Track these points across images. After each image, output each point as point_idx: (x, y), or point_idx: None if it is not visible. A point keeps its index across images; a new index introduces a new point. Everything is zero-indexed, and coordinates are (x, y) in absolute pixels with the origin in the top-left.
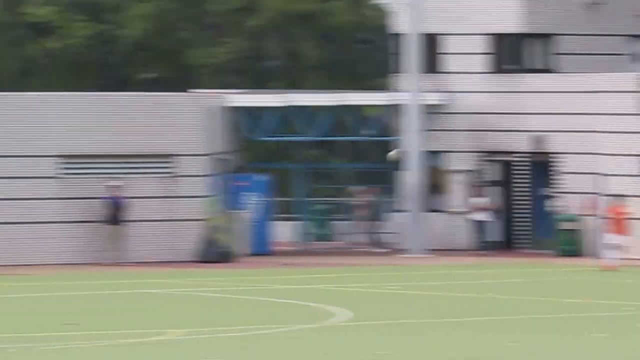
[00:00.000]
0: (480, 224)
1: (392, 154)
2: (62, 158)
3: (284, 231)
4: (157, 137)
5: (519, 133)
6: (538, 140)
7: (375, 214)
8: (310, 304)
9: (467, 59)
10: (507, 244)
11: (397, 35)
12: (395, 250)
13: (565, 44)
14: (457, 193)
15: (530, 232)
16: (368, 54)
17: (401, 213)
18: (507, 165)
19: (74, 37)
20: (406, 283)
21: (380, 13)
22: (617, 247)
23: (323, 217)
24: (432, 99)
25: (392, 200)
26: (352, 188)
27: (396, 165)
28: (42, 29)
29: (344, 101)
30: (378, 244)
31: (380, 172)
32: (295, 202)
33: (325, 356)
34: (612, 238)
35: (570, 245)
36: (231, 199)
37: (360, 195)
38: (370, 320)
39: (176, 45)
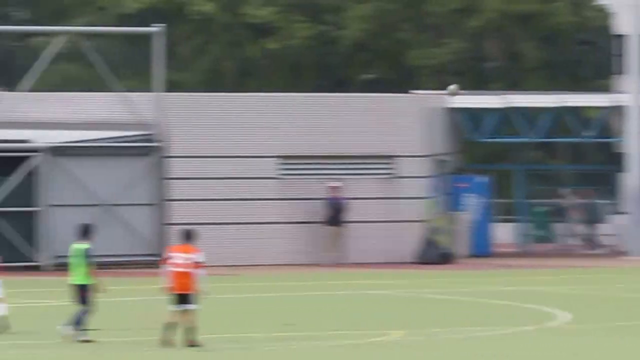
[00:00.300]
0: None
1: (451, 88)
2: (283, 159)
3: (503, 233)
4: (377, 138)
5: None
6: None
7: (591, 216)
8: (529, 305)
9: None
10: None
11: (619, 36)
12: (616, 253)
13: None
14: None
15: None
16: (589, 55)
17: (622, 215)
18: None
19: (294, 38)
20: (626, 286)
21: (602, 14)
22: None
23: (543, 218)
24: None
25: (612, 202)
26: (564, 190)
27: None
28: (262, 30)
29: (565, 102)
30: (595, 245)
31: (601, 174)
32: (515, 204)
33: (576, 357)
34: None
35: None
36: (451, 200)
37: (574, 197)
38: (590, 322)
39: (396, 46)
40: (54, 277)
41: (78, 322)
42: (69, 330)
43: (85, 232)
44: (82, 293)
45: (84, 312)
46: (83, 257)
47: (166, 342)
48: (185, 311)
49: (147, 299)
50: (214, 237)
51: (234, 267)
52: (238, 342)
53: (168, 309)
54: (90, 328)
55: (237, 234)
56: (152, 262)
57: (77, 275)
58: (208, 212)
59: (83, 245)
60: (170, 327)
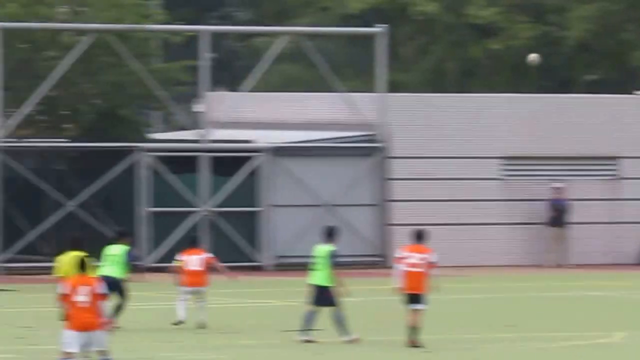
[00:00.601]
0: None
1: (531, 57)
2: (506, 160)
3: None
4: (601, 139)
5: None
6: None
7: None
8: None
9: None
10: None
11: None
12: None
13: None
14: None
15: None
16: None
17: None
18: None
19: (517, 39)
20: None
21: None
22: None
23: None
24: None
25: None
26: None
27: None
28: (484, 30)
29: None
30: None
31: None
32: None
33: None
34: None
35: None
36: None
37: None
38: None
39: (619, 47)
40: (275, 278)
41: (308, 322)
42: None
43: (330, 234)
44: (323, 294)
45: (339, 314)
46: (327, 258)
47: (412, 343)
48: (414, 311)
49: (375, 299)
50: (435, 238)
51: (456, 268)
52: (460, 342)
53: (405, 309)
54: (315, 328)
55: (459, 235)
56: (373, 262)
57: (319, 276)
58: (429, 213)
59: (327, 247)
60: (413, 331)
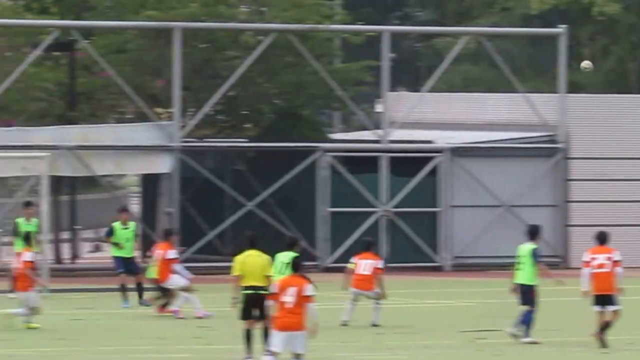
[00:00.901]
0: None
1: (584, 64)
2: None
3: None
4: None
5: None
6: None
7: None
8: None
9: None
10: None
11: None
12: None
13: None
14: None
15: None
16: None
17: None
18: None
19: None
20: None
21: None
22: None
23: None
24: None
25: None
26: None
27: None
28: None
29: None
30: None
31: None
32: None
33: None
34: None
35: None
36: None
37: None
38: None
39: None
40: (453, 278)
41: (524, 323)
42: (517, 332)
43: (533, 232)
44: (527, 293)
45: (530, 313)
46: (530, 257)
47: (599, 338)
48: (605, 313)
49: (556, 299)
50: (614, 239)
51: (635, 269)
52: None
53: (594, 311)
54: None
55: (637, 235)
56: (553, 263)
57: (523, 275)
58: (608, 214)
59: (531, 246)
60: (604, 328)
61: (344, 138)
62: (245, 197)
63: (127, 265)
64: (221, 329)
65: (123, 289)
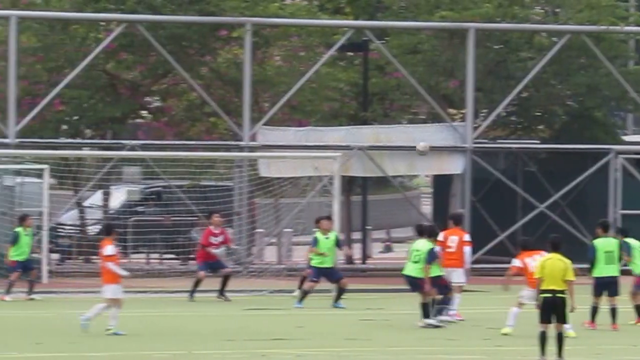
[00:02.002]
0: None
1: (419, 147)
2: None
3: None
4: None
5: None
6: None
7: None
8: None
9: None
10: None
11: None
12: None
13: None
14: None
15: None
16: None
17: None
18: None
19: None
20: None
21: None
22: None
23: None
24: None
25: None
26: None
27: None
28: None
29: None
30: None
31: None
32: None
33: None
34: None
35: None
36: None
37: None
38: None
39: None
40: None
41: None
42: None
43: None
44: None
45: None
46: None
47: None
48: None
49: None
50: None
51: None
52: None
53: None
54: None
55: None
56: None
57: None
58: None
59: None
60: None
61: (637, 140)
62: (536, 198)
63: (327, 274)
64: (519, 330)
65: (304, 293)
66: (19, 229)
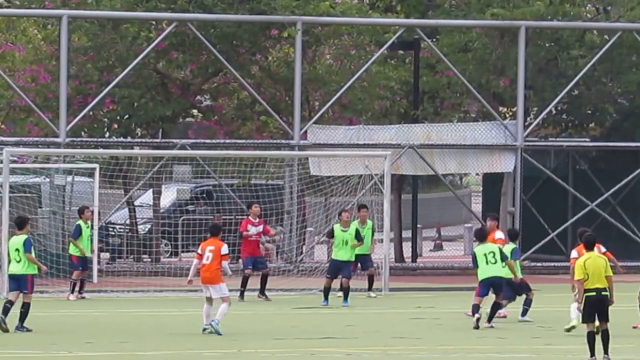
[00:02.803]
0: None
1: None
2: None
3: None
4: None
5: None
6: None
7: None
8: None
9: None
10: None
11: None
12: None
13: None
14: None
15: None
16: None
17: None
18: None
19: None
20: None
21: None
22: None
23: None
24: None
25: None
26: None
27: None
28: None
29: None
30: None
31: None
32: None
33: None
34: None
35: None
36: None
37: None
38: None
39: None
40: None
41: None
42: None
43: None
44: None
45: None
46: None
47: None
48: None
49: None
50: None
51: None
52: None
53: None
54: None
55: None
56: None
57: None
58: None
59: None
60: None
61: None
62: (586, 196)
63: (341, 268)
64: (560, 328)
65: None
66: (79, 222)
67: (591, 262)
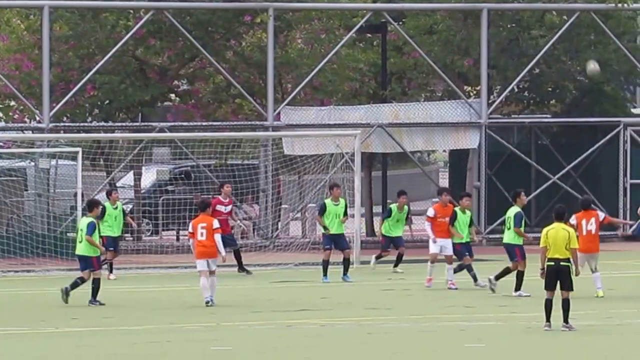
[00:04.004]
0: None
1: (590, 68)
2: None
3: None
4: None
5: None
6: None
7: None
8: None
9: None
10: None
11: None
12: None
13: None
14: None
15: None
16: None
17: None
18: None
19: None
20: None
21: None
22: None
23: None
24: None
25: None
26: None
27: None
28: None
29: None
30: None
31: None
32: None
33: None
34: None
35: None
36: None
37: None
38: None
39: None
40: None
41: None
42: None
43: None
44: None
45: None
46: None
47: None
48: None
49: None
50: None
51: None
52: None
53: None
54: None
55: None
56: None
57: None
58: None
59: None
60: None
61: None
62: (549, 170)
63: (336, 241)
64: (526, 298)
65: (325, 264)
66: (106, 204)
67: (553, 233)
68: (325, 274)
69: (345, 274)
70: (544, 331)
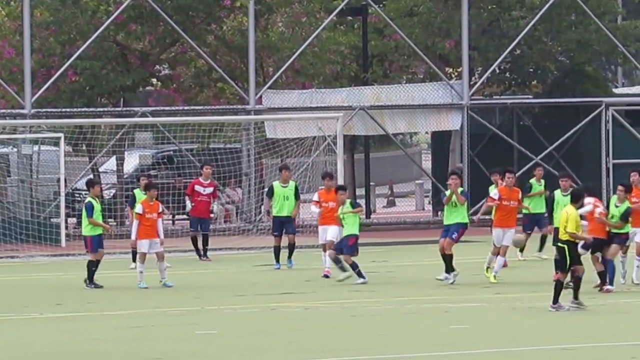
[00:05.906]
0: None
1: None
2: None
3: None
4: None
5: None
6: None
7: None
8: None
9: None
10: None
11: None
12: None
13: None
14: None
15: None
16: None
17: None
18: None
19: None
20: None
21: None
22: None
23: None
24: None
25: None
26: None
27: None
28: None
29: None
30: None
31: None
32: None
33: None
34: None
35: None
36: None
37: None
38: None
39: None
40: None
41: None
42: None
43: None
44: None
45: None
46: None
47: None
48: None
49: None
50: None
51: None
52: None
53: None
54: None
55: None
56: None
57: None
58: None
59: None
60: None
61: (627, 92)
62: (531, 151)
63: (284, 225)
64: (508, 277)
65: (277, 250)
66: (136, 191)
67: (558, 215)
68: (277, 261)
69: (289, 258)
70: (531, 311)
